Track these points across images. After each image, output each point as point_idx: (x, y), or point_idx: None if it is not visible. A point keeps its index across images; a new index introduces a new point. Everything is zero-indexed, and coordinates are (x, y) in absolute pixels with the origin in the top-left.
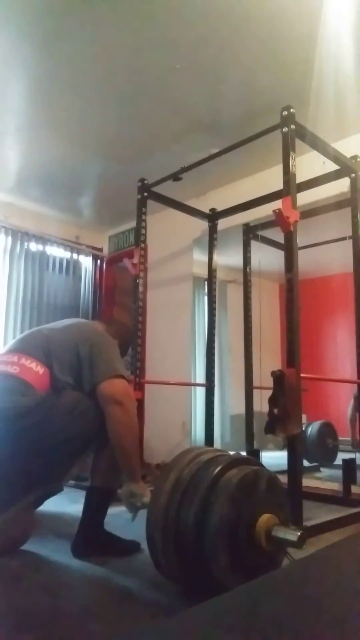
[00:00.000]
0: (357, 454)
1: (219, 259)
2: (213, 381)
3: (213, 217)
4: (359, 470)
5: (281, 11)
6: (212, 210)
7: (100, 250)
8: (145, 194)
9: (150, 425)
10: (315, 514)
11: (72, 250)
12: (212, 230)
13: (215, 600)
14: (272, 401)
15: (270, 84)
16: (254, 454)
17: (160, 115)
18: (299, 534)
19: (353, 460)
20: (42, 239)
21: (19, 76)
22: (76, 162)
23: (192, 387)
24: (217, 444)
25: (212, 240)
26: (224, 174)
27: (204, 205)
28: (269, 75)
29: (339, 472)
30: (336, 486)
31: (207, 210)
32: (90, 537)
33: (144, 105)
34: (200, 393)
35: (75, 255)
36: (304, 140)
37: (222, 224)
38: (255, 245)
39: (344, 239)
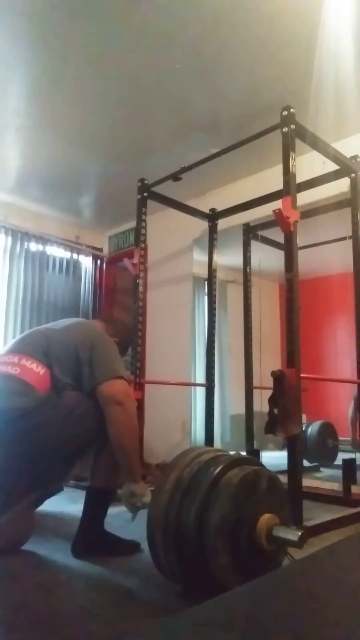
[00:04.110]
0: (357, 454)
1: (219, 259)
2: (213, 381)
3: (213, 217)
4: (359, 470)
5: (281, 11)
6: (212, 210)
7: (100, 250)
8: (145, 194)
9: (150, 425)
10: (315, 514)
11: (72, 250)
12: (212, 230)
13: (215, 600)
14: (272, 401)
15: (270, 84)
16: (254, 454)
17: (160, 115)
18: (299, 533)
19: (353, 460)
20: (42, 239)
21: (19, 76)
22: (76, 162)
23: (192, 387)
24: (217, 444)
25: (212, 240)
26: (224, 174)
27: (204, 205)
28: (269, 75)
29: (339, 472)
30: (336, 486)
31: (207, 210)
32: (90, 537)
33: (144, 105)
34: (200, 393)
35: (75, 255)
36: (304, 140)
37: (222, 224)
38: (255, 245)
39: (344, 239)
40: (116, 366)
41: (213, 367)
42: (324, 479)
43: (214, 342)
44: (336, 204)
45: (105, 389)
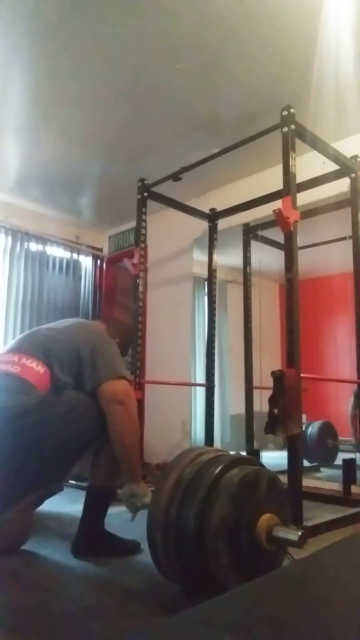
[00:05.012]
0: (357, 454)
1: (219, 259)
2: (213, 381)
3: (213, 217)
4: (359, 470)
5: (281, 11)
6: (212, 210)
7: (100, 250)
8: (145, 194)
9: (150, 425)
10: (315, 514)
11: (72, 250)
12: (212, 230)
13: (215, 600)
14: (272, 401)
15: (270, 84)
16: (254, 454)
17: (160, 115)
18: (299, 533)
19: (353, 460)
20: (42, 239)
21: (19, 76)
22: (76, 162)
23: (192, 387)
24: (217, 444)
25: (212, 240)
26: (224, 174)
27: (204, 205)
28: (269, 75)
29: (339, 472)
30: (336, 486)
31: (207, 210)
32: (91, 537)
33: (144, 105)
34: (200, 393)
35: (75, 255)
36: (304, 140)
37: (222, 224)
38: (255, 245)
39: (344, 239)
40: (118, 367)
41: (213, 367)
42: (324, 479)
43: (214, 342)
44: (336, 204)
45: (107, 388)
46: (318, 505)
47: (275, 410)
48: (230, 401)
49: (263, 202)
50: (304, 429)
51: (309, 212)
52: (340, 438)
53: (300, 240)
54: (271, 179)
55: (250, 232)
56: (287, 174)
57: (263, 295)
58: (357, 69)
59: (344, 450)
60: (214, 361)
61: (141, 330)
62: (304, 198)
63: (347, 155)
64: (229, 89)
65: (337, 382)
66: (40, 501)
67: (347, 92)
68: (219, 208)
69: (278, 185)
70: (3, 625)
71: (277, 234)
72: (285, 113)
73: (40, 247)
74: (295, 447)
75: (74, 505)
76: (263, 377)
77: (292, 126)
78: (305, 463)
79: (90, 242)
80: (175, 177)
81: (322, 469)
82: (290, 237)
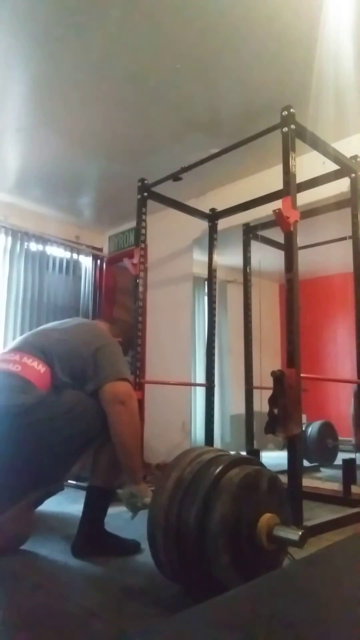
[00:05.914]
0: (357, 454)
1: (219, 259)
2: (213, 381)
3: (213, 217)
4: (359, 470)
5: (281, 11)
6: (212, 210)
7: (100, 250)
8: (145, 194)
9: (151, 425)
10: (315, 514)
11: (72, 250)
12: (212, 230)
13: (216, 600)
14: (272, 401)
15: (270, 84)
16: (254, 454)
17: (160, 115)
18: (300, 533)
19: (353, 460)
20: (42, 239)
21: (19, 76)
22: (76, 162)
23: (192, 387)
24: (217, 444)
25: (212, 240)
26: (224, 174)
27: (204, 205)
28: (269, 75)
29: (339, 472)
30: (336, 486)
31: (207, 210)
32: (91, 536)
33: (144, 105)
34: (200, 393)
35: (75, 255)
36: (304, 140)
37: (222, 224)
38: (255, 245)
39: (344, 239)
40: (121, 368)
41: (213, 367)
42: (324, 479)
43: (214, 342)
44: (336, 204)
45: (109, 389)
46: (318, 505)
47: (275, 410)
48: (230, 401)
49: (263, 202)
50: (304, 429)
51: (309, 212)
52: (340, 438)
53: (300, 240)
54: (271, 179)
55: (250, 232)
56: (287, 174)
57: (263, 295)
58: (357, 69)
59: (344, 450)
60: (214, 361)
61: (141, 330)
62: (304, 198)
63: (347, 155)
64: (229, 89)
65: (337, 382)
66: (41, 501)
67: (347, 92)
68: (219, 208)
69: (278, 185)
70: (4, 625)
71: (277, 234)
72: (285, 113)
73: (40, 247)
74: (295, 447)
75: (74, 505)
76: (263, 377)
77: (292, 126)
78: (305, 463)
79: (90, 242)
80: (175, 177)
81: (322, 469)
82: (290, 237)
